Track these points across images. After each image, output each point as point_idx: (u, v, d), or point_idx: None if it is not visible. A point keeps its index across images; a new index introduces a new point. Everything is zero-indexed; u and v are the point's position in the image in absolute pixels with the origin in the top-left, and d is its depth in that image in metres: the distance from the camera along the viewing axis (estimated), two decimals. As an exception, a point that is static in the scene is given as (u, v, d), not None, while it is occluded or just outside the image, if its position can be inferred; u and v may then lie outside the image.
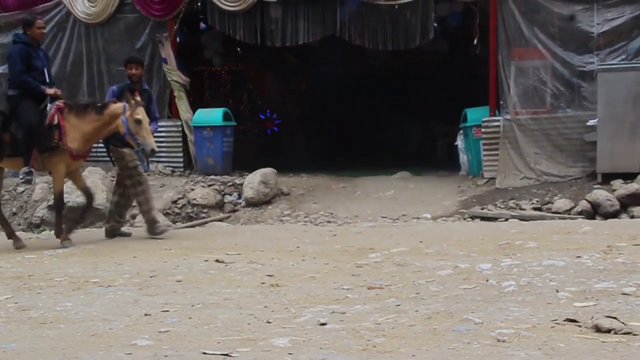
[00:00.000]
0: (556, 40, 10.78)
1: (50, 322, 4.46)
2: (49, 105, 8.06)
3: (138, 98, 7.96)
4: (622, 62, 10.38)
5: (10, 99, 8.14)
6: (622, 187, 9.53)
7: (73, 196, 10.60)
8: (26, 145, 8.00)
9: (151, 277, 5.87)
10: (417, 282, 5.18)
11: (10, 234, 8.42)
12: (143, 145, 7.90)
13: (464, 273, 5.43)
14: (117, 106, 7.98)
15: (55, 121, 7.99)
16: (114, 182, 9.16)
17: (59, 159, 8.08)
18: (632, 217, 9.13)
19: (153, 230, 8.41)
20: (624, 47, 10.56)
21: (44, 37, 12.38)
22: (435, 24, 11.35)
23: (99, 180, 10.94)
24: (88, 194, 8.47)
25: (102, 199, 10.62)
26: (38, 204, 10.98)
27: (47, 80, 8.23)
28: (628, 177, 9.74)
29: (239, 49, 12.71)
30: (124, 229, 8.93)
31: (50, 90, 8.14)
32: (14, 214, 11.10)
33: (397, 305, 4.49)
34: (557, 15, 10.76)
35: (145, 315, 4.50)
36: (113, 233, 8.60)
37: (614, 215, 9.20)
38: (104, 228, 8.85)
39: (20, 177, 8.25)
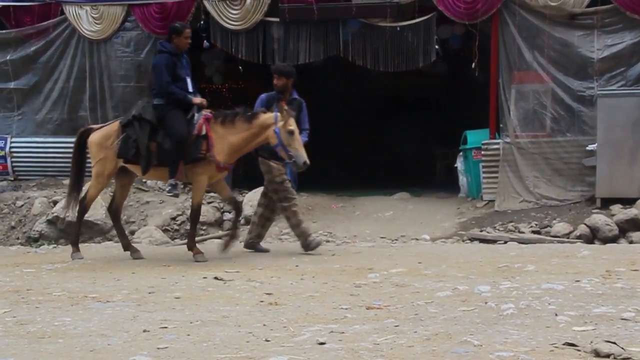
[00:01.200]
0: (556, 64, 10.84)
1: (49, 336, 4.46)
2: (196, 115, 7.87)
3: (286, 108, 7.70)
4: (622, 87, 10.43)
5: (157, 107, 7.92)
6: (621, 212, 9.55)
7: (72, 211, 10.61)
8: (174, 157, 7.80)
9: (150, 293, 5.87)
10: (416, 303, 5.19)
11: (127, 246, 8.36)
12: (295, 157, 7.62)
13: (463, 295, 5.44)
14: (268, 116, 7.71)
15: (203, 132, 7.78)
16: (260, 193, 8.86)
17: (202, 170, 7.86)
18: (631, 242, 9.13)
19: (306, 244, 8.21)
20: (624, 73, 10.62)
21: (51, 51, 12.55)
22: (437, 46, 11.41)
23: (98, 196, 10.91)
24: (235, 205, 8.31)
25: (100, 214, 10.61)
26: (37, 218, 10.96)
27: (190, 90, 8.02)
28: (627, 202, 9.76)
29: (240, 67, 12.75)
30: (264, 244, 8.74)
31: (197, 100, 7.97)
32: (13, 227, 11.08)
33: (396, 325, 4.49)
34: (557, 40, 10.83)
35: (144, 331, 4.50)
36: (252, 246, 8.46)
37: (613, 240, 9.22)
38: (244, 240, 8.69)
39: (167, 189, 7.97)
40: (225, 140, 7.78)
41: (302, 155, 7.64)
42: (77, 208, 8.59)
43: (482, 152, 11.13)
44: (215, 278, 6.48)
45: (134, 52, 12.38)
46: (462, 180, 11.74)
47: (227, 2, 11.80)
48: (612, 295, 5.29)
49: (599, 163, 10.10)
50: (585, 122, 10.66)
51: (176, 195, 8.12)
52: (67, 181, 12.05)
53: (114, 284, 6.39)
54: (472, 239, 9.68)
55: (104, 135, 8.16)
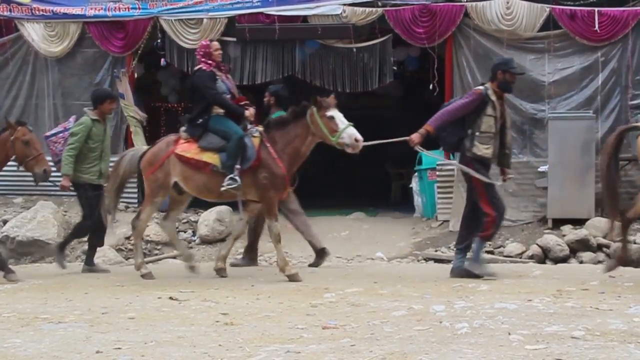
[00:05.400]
0: (509, 87, 11.04)
1: (-2, 358, 4.36)
2: None
3: None
4: (572, 111, 10.68)
5: None
6: (571, 233, 9.73)
7: (23, 230, 10.42)
8: None
9: (103, 313, 5.79)
10: (371, 322, 5.21)
11: None
12: None
13: (418, 314, 5.48)
14: None
15: None
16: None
17: None
18: (581, 262, 9.31)
19: None
20: (574, 96, 10.90)
21: (9, 68, 12.35)
22: (395, 68, 11.56)
23: (50, 215, 10.75)
24: None
25: (53, 234, 10.43)
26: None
27: None
28: (577, 222, 9.95)
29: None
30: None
31: None
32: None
33: (352, 345, 4.51)
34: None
35: (97, 352, 4.43)
36: None
37: (564, 260, 9.38)
38: None
39: None
40: None
41: None
42: None
43: (437, 173, 11.26)
44: (170, 298, 6.41)
45: (91, 70, 12.27)
46: (417, 200, 11.85)
47: (184, 21, 11.79)
48: (563, 314, 5.39)
49: (550, 184, 10.29)
50: (537, 144, 10.88)
51: None
52: (17, 200, 11.92)
53: (66, 304, 6.28)
54: (427, 259, 9.77)
55: None
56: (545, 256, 9.48)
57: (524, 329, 4.85)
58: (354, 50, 11.59)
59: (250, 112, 7.94)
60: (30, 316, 5.70)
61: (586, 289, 6.62)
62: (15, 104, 12.44)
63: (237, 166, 7.61)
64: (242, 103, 8.04)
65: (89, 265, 8.77)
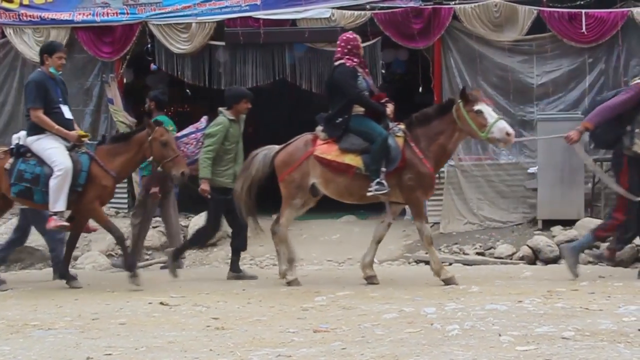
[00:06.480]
0: (498, 89, 11.09)
1: (-13, 366, 4.35)
2: None
3: None
4: (560, 112, 10.71)
5: None
6: (561, 234, 9.76)
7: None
8: None
9: (93, 319, 5.78)
10: (362, 325, 5.22)
11: None
12: None
13: (409, 317, 5.49)
14: None
15: None
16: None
17: None
18: (571, 263, 9.33)
19: None
20: (562, 98, 10.94)
21: None
22: (383, 71, 11.58)
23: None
24: None
25: (43, 240, 10.37)
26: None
27: None
28: (567, 223, 9.98)
29: (188, 90, 12.70)
30: None
31: None
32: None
33: (343, 348, 4.51)
34: (498, 66, 11.09)
35: (88, 358, 4.43)
36: None
37: (554, 261, 9.40)
38: None
39: None
40: None
41: None
42: None
43: (427, 176, 11.25)
44: (161, 303, 6.41)
45: (80, 76, 12.24)
46: (408, 202, 11.84)
47: (173, 25, 11.77)
48: (553, 315, 5.41)
49: (540, 185, 10.33)
50: (527, 146, 10.90)
51: None
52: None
53: (56, 310, 6.26)
54: (417, 261, 9.77)
55: None
56: (535, 257, 9.50)
57: (514, 330, 4.86)
58: (343, 52, 11.57)
59: (390, 109, 7.59)
60: (20, 323, 5.68)
61: (576, 290, 6.65)
62: (3, 111, 12.38)
63: (383, 169, 7.30)
64: (383, 101, 7.67)
65: (235, 271, 8.35)
